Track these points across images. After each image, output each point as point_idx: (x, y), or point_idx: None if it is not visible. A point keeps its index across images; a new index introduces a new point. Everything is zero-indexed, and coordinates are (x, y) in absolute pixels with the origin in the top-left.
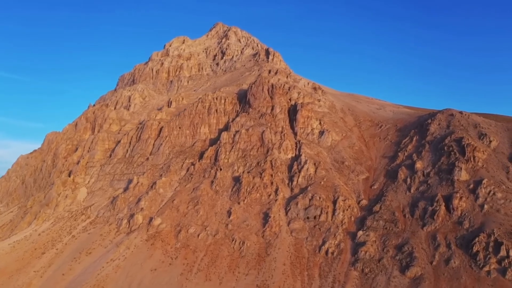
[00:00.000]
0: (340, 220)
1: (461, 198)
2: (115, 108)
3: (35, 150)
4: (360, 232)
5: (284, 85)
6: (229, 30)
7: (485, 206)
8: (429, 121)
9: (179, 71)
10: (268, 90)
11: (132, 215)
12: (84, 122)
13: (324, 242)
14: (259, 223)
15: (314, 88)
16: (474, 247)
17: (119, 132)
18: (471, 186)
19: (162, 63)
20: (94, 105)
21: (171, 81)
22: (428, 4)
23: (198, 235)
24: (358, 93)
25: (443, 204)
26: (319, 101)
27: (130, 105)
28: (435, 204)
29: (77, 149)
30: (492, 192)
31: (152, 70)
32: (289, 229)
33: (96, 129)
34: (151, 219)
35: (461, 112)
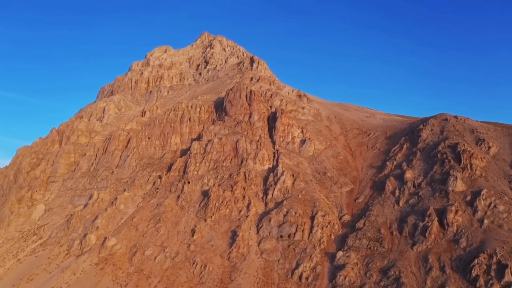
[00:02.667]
0: (317, 239)
1: (456, 211)
2: (89, 120)
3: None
4: (340, 253)
5: (266, 92)
6: (214, 39)
7: (485, 221)
8: (421, 126)
9: (160, 81)
10: (246, 97)
11: (85, 235)
12: (55, 134)
13: (298, 265)
14: (225, 243)
15: (299, 96)
16: (473, 271)
17: (88, 144)
18: (468, 197)
19: (142, 73)
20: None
21: (151, 92)
22: (418, 16)
23: (155, 258)
24: (350, 103)
25: (436, 219)
26: (303, 109)
27: (104, 116)
28: (426, 219)
29: (41, 163)
30: (492, 204)
31: (131, 80)
32: (259, 250)
33: (63, 141)
34: (105, 240)
35: (456, 117)
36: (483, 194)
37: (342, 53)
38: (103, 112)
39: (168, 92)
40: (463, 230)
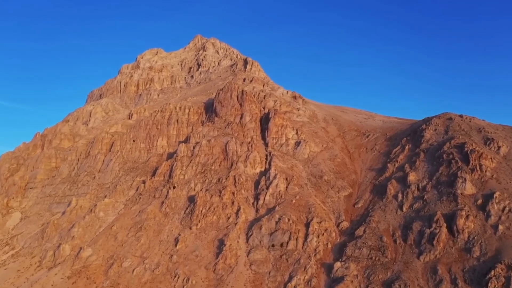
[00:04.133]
0: (313, 248)
1: (467, 216)
2: (74, 123)
3: None
4: (338, 264)
5: (259, 93)
6: (207, 42)
7: (500, 227)
8: (424, 126)
9: (150, 84)
10: (237, 97)
11: (60, 246)
12: (37, 139)
13: (291, 278)
14: (211, 254)
15: (294, 97)
16: (489, 284)
17: (71, 148)
18: (480, 201)
19: (132, 76)
20: None
21: (140, 95)
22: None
23: (133, 270)
24: (348, 106)
25: (445, 225)
26: (298, 110)
27: (90, 120)
28: (434, 225)
29: (21, 168)
30: (507, 208)
31: (120, 83)
32: (249, 261)
33: (45, 146)
34: (80, 250)
35: (461, 116)
36: (496, 197)
37: (337, 60)
38: (90, 116)
39: (158, 95)
40: (476, 237)
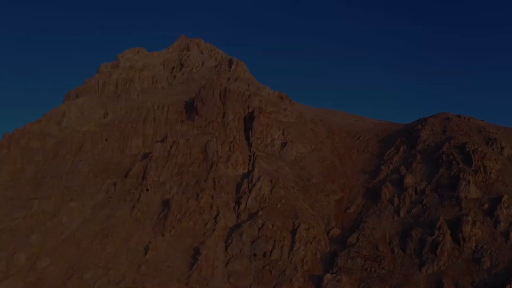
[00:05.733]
0: (300, 258)
1: (474, 223)
2: (47, 123)
3: None
4: (328, 276)
5: (243, 92)
6: (191, 42)
7: (511, 235)
8: (419, 127)
9: (129, 84)
10: (220, 95)
11: (14, 254)
12: (5, 139)
13: None
14: (185, 264)
15: (281, 97)
16: None
17: (40, 149)
18: (486, 205)
19: (111, 75)
20: None
21: (119, 95)
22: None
23: (95, 283)
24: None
25: (449, 232)
26: (285, 110)
27: (63, 120)
28: (436, 232)
29: None
30: None
31: (98, 82)
32: (227, 272)
33: (11, 146)
34: (37, 260)
35: (458, 116)
36: (504, 201)
37: (330, 65)
38: (63, 115)
39: (138, 95)
40: (485, 246)
